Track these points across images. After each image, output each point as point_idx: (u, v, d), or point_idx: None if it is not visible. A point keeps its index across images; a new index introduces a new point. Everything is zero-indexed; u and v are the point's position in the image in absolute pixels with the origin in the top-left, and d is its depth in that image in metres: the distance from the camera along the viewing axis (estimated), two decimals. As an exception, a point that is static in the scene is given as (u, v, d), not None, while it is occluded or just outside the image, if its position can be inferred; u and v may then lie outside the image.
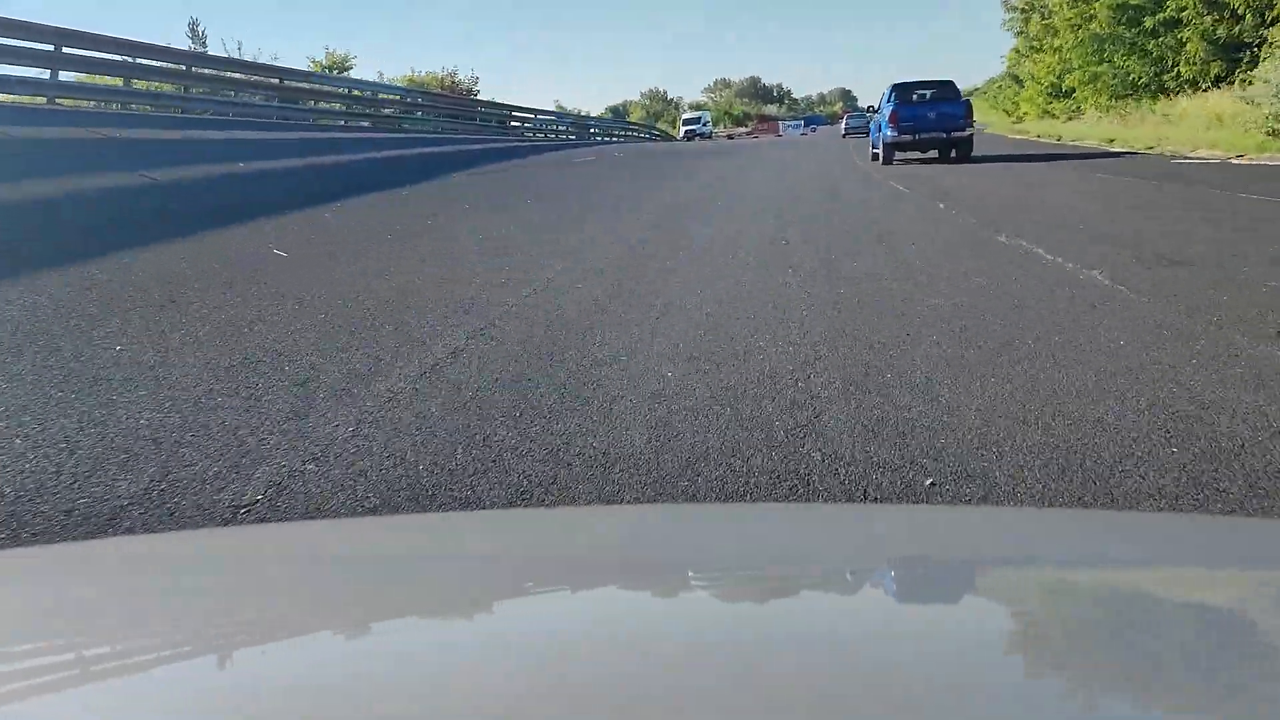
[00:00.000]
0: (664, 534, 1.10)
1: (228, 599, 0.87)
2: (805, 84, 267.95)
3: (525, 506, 2.45)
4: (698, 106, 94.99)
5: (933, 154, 19.60)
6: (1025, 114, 44.33)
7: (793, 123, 78.26)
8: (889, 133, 19.20)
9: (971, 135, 19.21)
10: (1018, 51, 45.09)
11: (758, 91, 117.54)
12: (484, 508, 2.44)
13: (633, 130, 64.57)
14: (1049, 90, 39.39)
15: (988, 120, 51.56)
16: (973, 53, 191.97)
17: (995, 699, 0.63)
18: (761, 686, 0.63)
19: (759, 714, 0.59)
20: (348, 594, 0.88)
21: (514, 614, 0.82)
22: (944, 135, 18.80)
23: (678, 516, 1.40)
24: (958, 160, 18.60)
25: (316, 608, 0.85)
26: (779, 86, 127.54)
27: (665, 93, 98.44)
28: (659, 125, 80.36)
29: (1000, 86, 58.88)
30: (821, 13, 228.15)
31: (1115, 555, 0.96)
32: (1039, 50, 40.07)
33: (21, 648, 0.76)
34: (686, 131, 69.85)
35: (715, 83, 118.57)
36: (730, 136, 72.11)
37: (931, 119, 18.79)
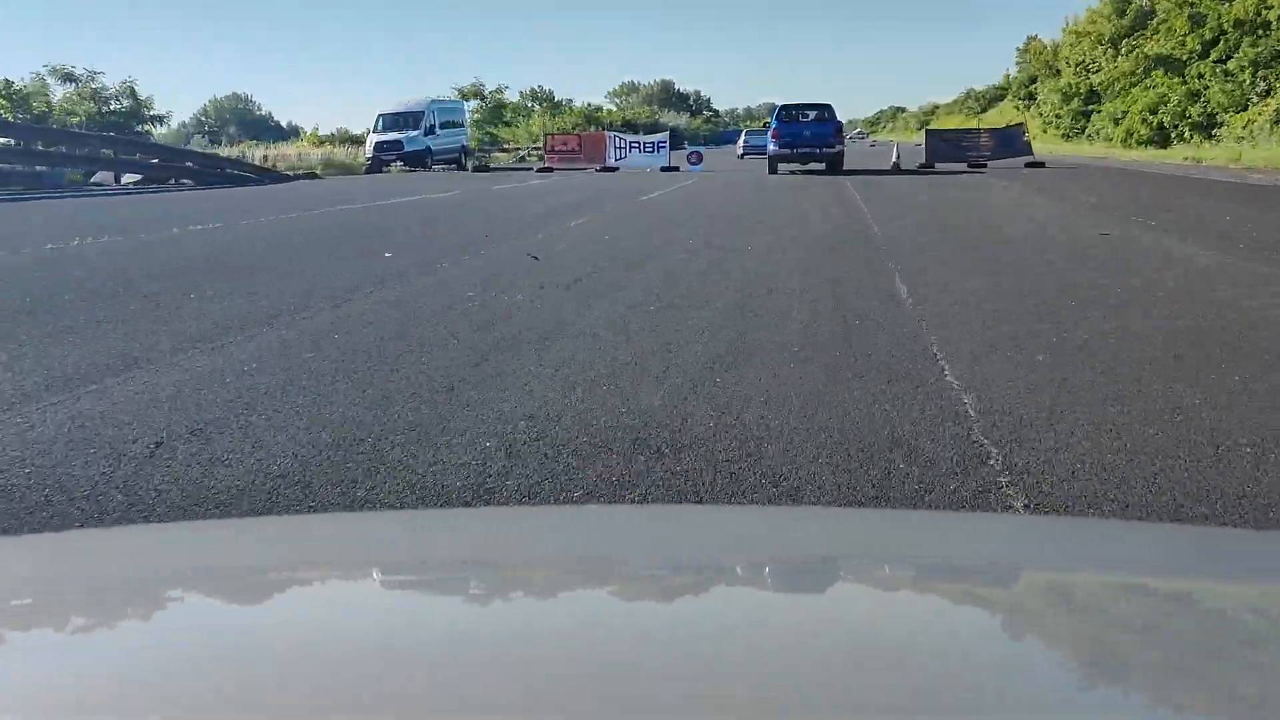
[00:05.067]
0: (653, 533, 1.11)
1: (216, 593, 0.90)
2: (732, 96, 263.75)
3: (518, 505, 2.52)
4: (463, 95, 49.32)
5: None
6: None
7: (648, 141, 31.75)
8: (772, 146, 22.10)
9: (841, 151, 22.05)
10: None
11: (670, 98, 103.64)
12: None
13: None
14: None
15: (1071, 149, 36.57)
16: (923, 74, 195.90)
17: (977, 700, 0.63)
18: (746, 685, 0.64)
19: (745, 714, 0.59)
20: (332, 589, 0.90)
21: (500, 612, 0.83)
22: (816, 150, 21.70)
23: (667, 516, 1.44)
24: (831, 172, 21.27)
25: (297, 603, 0.87)
26: (697, 95, 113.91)
27: (551, 93, 64.17)
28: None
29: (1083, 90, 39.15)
30: (753, 19, 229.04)
31: (1104, 564, 1.00)
32: None
33: (12, 639, 0.78)
34: (379, 146, 33.51)
35: (621, 86, 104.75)
36: (485, 167, 34.74)
37: (806, 136, 21.74)
